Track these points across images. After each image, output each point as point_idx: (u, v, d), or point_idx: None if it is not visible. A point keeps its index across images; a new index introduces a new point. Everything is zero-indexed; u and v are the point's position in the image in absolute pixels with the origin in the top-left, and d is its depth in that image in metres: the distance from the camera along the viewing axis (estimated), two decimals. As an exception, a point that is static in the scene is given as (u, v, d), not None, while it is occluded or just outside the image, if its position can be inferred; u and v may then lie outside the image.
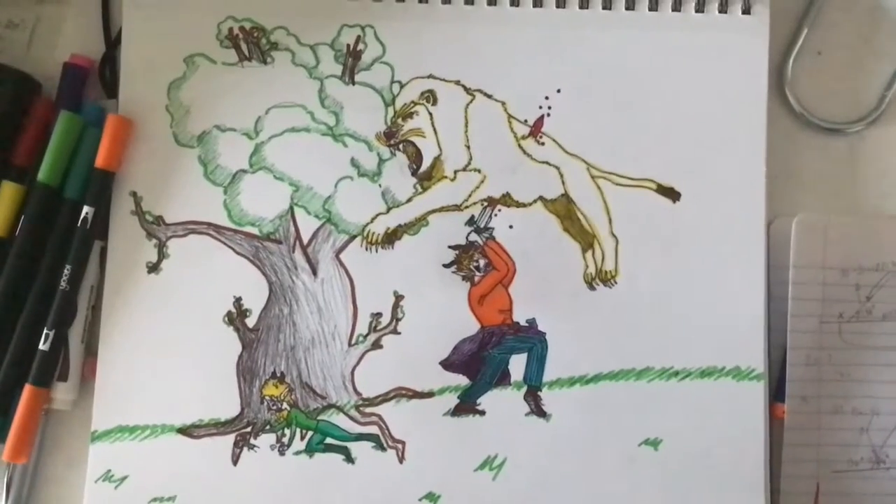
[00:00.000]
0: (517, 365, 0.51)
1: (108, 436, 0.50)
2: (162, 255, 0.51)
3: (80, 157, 0.50)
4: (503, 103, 0.52)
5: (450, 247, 0.51)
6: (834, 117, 0.54)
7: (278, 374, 0.50)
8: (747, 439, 0.50)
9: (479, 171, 0.52)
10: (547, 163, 0.52)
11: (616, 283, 0.51)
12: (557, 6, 0.52)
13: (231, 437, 0.50)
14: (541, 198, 0.51)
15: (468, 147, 0.52)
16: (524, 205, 0.51)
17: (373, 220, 0.51)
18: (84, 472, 0.49)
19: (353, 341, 0.51)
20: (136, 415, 0.50)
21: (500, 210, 0.51)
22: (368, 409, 0.50)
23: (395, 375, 0.50)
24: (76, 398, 0.50)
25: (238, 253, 0.51)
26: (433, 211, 0.51)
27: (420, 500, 0.50)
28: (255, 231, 0.51)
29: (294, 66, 0.52)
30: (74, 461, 0.50)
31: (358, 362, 0.51)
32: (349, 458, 0.50)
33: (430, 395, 0.50)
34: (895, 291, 0.51)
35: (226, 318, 0.50)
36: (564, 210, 0.51)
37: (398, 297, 0.51)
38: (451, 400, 0.50)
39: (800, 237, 0.51)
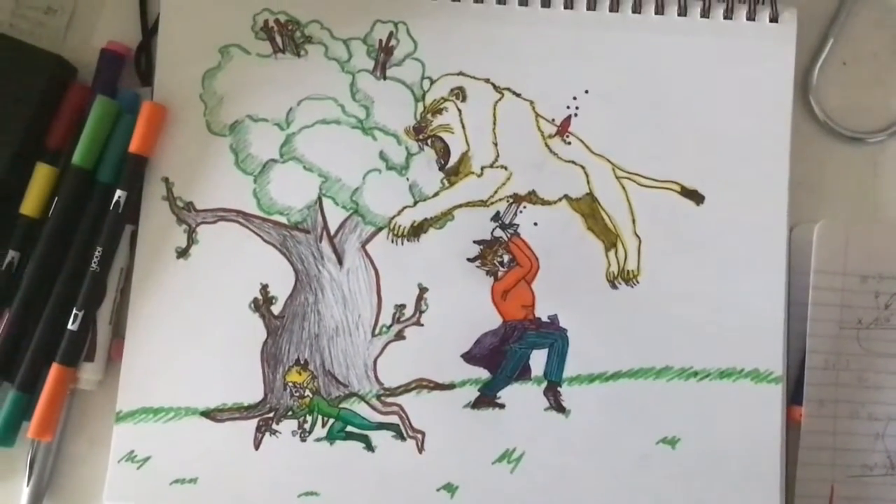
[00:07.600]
0: (538, 360, 0.51)
1: (132, 417, 0.50)
2: (191, 240, 0.51)
3: (114, 141, 0.51)
4: (531, 102, 0.52)
5: (475, 241, 0.52)
6: (857, 127, 0.54)
7: (302, 362, 0.51)
8: (764, 441, 0.50)
9: (505, 168, 0.52)
10: (573, 162, 0.52)
11: (638, 282, 0.52)
12: (588, 8, 0.53)
13: (253, 422, 0.50)
14: (566, 196, 0.52)
15: (496, 144, 0.52)
16: (549, 202, 0.52)
17: (399, 212, 0.52)
18: (107, 452, 0.50)
19: (377, 331, 0.51)
20: (161, 397, 0.50)
21: (525, 207, 0.52)
22: (390, 399, 0.51)
23: (417, 366, 0.51)
24: (102, 379, 0.51)
25: (266, 241, 0.52)
26: (459, 206, 0.52)
27: (438, 490, 0.50)
28: (283, 220, 0.52)
29: (327, 60, 0.53)
30: (98, 441, 0.51)
31: (381, 352, 0.51)
32: (369, 447, 0.51)
33: (451, 387, 0.51)
34: (914, 300, 0.52)
35: (252, 305, 0.51)
36: (589, 209, 0.52)
37: (422, 290, 0.51)
38: (472, 392, 0.51)
39: (821, 243, 0.52)
